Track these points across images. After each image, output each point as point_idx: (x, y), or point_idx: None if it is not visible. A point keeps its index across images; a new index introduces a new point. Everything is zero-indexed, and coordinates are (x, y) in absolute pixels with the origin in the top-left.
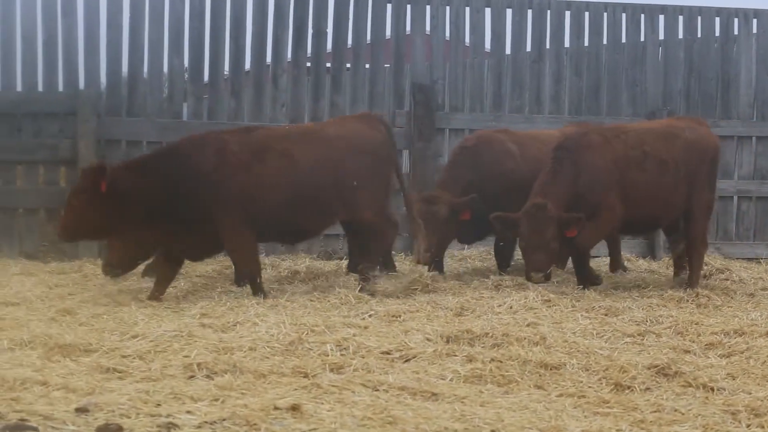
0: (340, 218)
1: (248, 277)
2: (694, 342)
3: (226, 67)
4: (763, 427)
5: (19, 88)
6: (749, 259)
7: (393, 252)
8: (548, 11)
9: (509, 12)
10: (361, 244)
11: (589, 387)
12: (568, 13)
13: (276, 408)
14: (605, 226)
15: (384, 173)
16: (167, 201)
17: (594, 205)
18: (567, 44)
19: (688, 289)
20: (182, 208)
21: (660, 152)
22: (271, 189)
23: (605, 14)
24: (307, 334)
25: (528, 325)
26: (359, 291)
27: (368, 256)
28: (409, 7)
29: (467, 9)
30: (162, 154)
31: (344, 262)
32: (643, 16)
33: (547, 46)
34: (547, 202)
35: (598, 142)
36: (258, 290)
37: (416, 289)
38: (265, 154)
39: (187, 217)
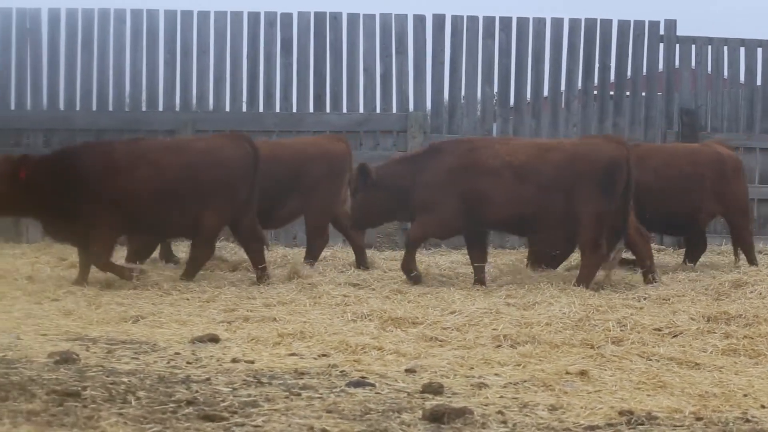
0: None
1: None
2: None
3: (528, 94)
4: None
5: (361, 110)
6: None
7: None
8: None
9: (759, 50)
10: None
11: None
12: None
13: (567, 372)
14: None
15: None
16: None
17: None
18: None
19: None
20: None
21: (526, 164)
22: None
23: None
24: (593, 312)
25: None
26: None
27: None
28: (677, 46)
29: (725, 48)
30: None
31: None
32: None
33: None
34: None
35: (452, 148)
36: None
37: None
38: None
39: None
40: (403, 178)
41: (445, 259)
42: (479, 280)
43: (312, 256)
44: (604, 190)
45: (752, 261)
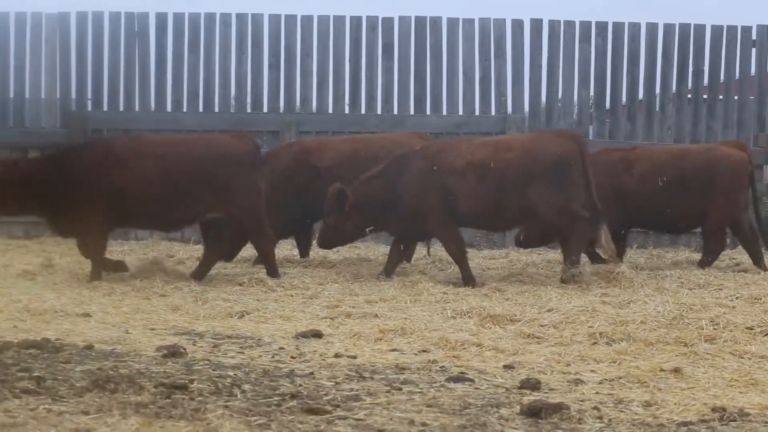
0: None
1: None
2: None
3: (624, 97)
4: None
5: (460, 112)
6: None
7: None
8: None
9: None
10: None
11: None
12: None
13: (661, 370)
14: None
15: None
16: None
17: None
18: None
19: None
20: None
21: (485, 161)
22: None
23: None
24: (686, 311)
25: None
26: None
27: None
28: None
29: None
30: None
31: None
32: None
33: None
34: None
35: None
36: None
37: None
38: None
39: None
40: (378, 194)
41: (541, 258)
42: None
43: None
44: (556, 185)
45: None
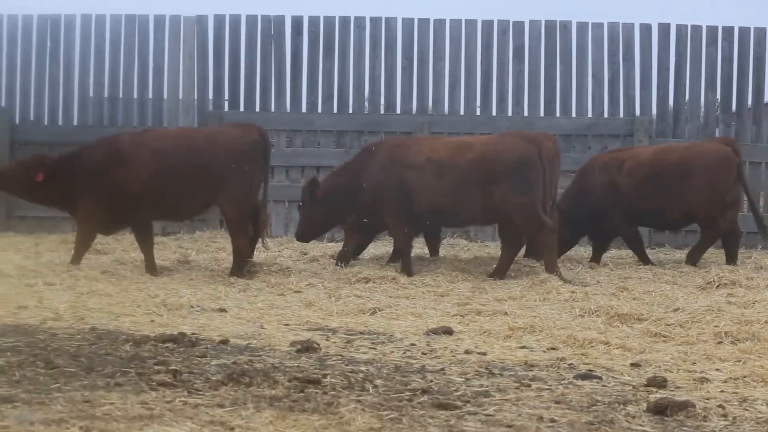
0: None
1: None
2: None
3: (749, 100)
4: None
5: (589, 115)
6: None
7: None
8: None
9: None
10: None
11: None
12: None
13: None
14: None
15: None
16: None
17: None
18: None
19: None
20: None
21: (446, 159)
22: None
23: None
24: None
25: None
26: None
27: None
28: None
29: None
30: None
31: None
32: None
33: None
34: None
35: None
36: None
37: None
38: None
39: None
40: (346, 184)
41: (668, 258)
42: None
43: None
44: (516, 186)
45: None
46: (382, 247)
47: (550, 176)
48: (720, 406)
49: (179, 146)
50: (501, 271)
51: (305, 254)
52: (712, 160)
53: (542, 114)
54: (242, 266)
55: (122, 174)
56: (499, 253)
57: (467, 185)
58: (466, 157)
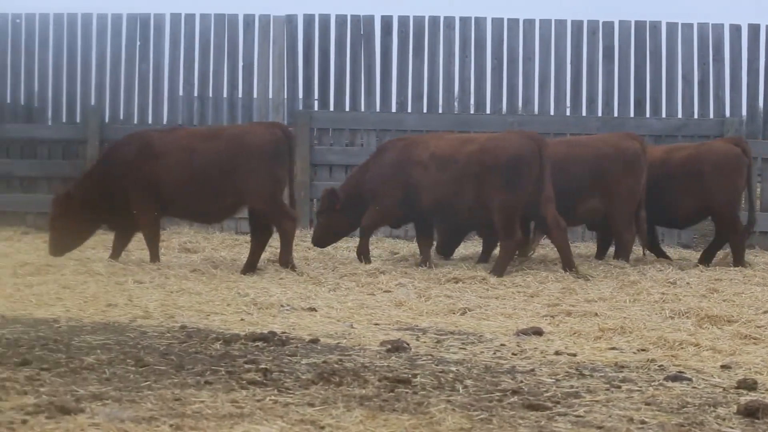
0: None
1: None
2: None
3: None
4: None
5: (679, 115)
6: None
7: None
8: None
9: None
10: None
11: None
12: None
13: None
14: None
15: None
16: None
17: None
18: None
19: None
20: None
21: (448, 154)
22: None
23: None
24: None
25: None
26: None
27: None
28: None
29: None
30: None
31: None
32: None
33: None
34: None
35: (392, 146)
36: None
37: None
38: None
39: None
40: (359, 186)
41: (759, 260)
42: (425, 260)
43: (625, 253)
44: (508, 182)
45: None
46: (471, 247)
47: (628, 178)
48: None
49: (206, 145)
50: (499, 267)
51: (395, 254)
52: (723, 161)
53: (632, 114)
54: (253, 262)
55: (151, 170)
56: (589, 252)
57: (465, 181)
58: (466, 153)
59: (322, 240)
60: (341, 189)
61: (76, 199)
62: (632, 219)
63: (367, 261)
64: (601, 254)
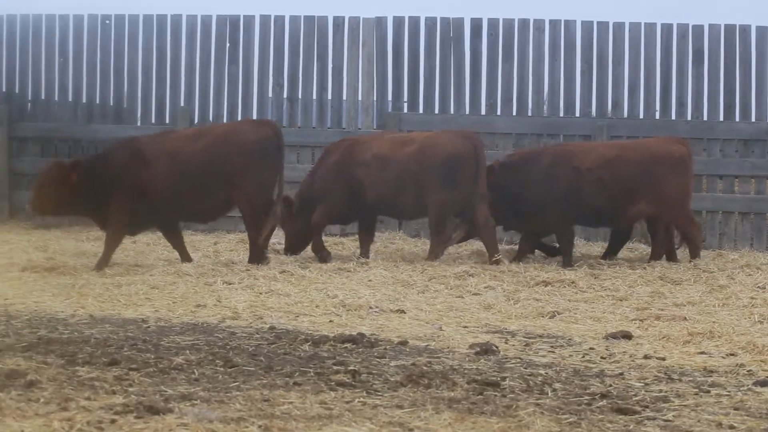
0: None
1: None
2: None
3: None
4: None
5: None
6: None
7: None
8: None
9: None
10: None
11: None
12: None
13: None
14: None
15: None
16: None
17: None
18: None
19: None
20: None
21: (389, 154)
22: None
23: None
24: None
25: None
26: None
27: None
28: None
29: None
30: None
31: None
32: None
33: None
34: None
35: (335, 148)
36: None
37: None
38: None
39: None
40: (310, 189)
41: None
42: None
43: (695, 249)
44: (444, 181)
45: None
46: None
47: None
48: None
49: (195, 145)
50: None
51: (481, 256)
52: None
53: (721, 118)
54: (258, 255)
55: (143, 176)
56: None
57: (406, 179)
58: (405, 153)
59: (293, 247)
60: (296, 194)
61: (72, 176)
62: (691, 216)
63: (323, 259)
64: (610, 254)
